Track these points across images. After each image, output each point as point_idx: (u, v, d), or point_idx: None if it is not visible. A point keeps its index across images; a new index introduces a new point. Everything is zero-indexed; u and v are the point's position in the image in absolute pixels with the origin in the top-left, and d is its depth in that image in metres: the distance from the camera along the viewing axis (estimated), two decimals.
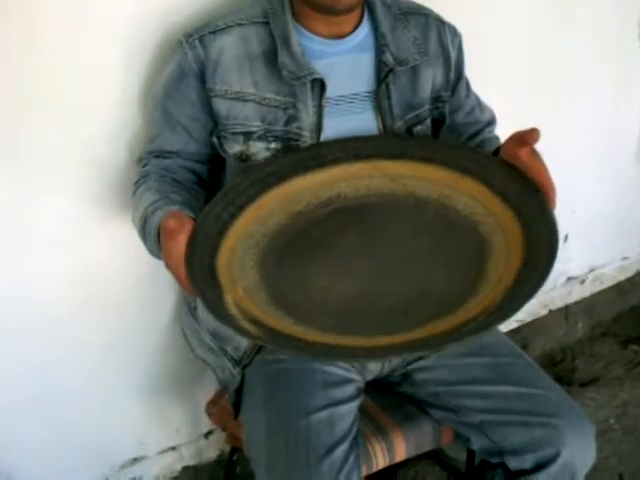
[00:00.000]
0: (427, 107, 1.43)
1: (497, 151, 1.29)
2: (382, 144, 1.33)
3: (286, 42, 1.31)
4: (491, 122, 1.59)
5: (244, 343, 1.39)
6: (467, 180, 1.22)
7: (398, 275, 1.16)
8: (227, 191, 1.23)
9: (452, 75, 1.48)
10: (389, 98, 1.37)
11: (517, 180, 1.18)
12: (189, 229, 1.11)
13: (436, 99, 1.46)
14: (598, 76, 2.26)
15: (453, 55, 1.47)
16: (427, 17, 1.45)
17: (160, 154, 1.38)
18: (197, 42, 1.33)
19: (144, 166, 1.38)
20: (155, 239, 1.19)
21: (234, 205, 1.22)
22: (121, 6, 1.41)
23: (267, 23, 1.34)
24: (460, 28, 1.49)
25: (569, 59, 2.13)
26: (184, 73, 1.34)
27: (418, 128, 1.41)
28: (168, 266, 1.14)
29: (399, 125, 1.39)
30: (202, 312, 1.48)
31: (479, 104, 1.58)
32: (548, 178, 1.15)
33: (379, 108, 1.37)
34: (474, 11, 1.80)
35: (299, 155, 1.31)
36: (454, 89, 1.50)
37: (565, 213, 2.32)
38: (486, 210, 1.19)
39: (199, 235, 1.13)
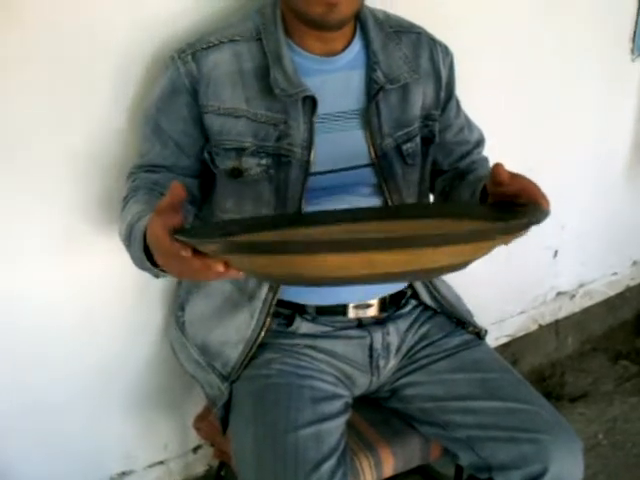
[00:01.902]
0: (417, 125, 1.44)
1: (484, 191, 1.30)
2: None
3: (278, 59, 1.32)
4: (480, 143, 1.61)
5: (232, 358, 1.40)
6: None
7: None
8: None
9: (442, 94, 1.48)
10: (379, 116, 1.38)
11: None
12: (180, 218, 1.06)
13: (426, 117, 1.46)
14: (589, 92, 2.28)
15: (444, 74, 1.48)
16: (419, 35, 1.46)
17: (150, 169, 1.38)
18: (189, 58, 1.34)
19: (133, 181, 1.38)
20: (141, 243, 1.16)
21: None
22: (112, 22, 1.42)
23: (259, 39, 1.35)
24: (451, 46, 1.51)
25: (560, 75, 2.15)
26: (176, 89, 1.35)
27: (407, 146, 1.42)
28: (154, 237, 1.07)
29: (388, 142, 1.39)
30: (190, 327, 1.49)
31: (468, 124, 1.60)
32: (537, 189, 1.14)
33: (369, 125, 1.38)
34: (465, 29, 1.82)
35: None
36: (444, 108, 1.51)
37: (555, 228, 2.34)
38: None
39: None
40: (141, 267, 1.22)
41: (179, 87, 1.35)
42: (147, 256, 1.15)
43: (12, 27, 1.32)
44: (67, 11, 1.36)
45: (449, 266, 0.95)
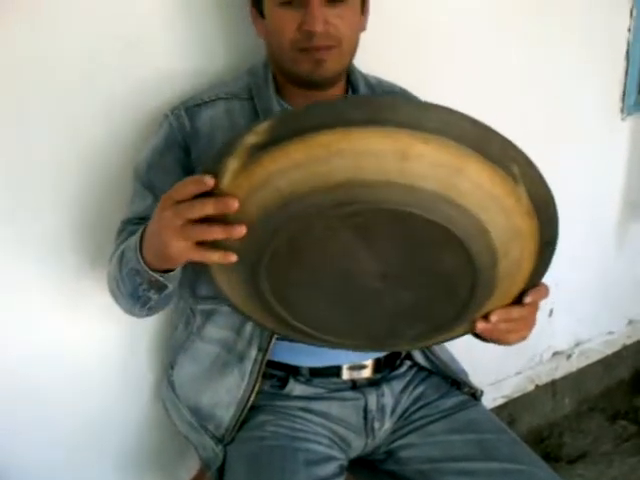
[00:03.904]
0: None
1: None
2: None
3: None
4: None
5: (225, 420, 1.39)
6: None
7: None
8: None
9: None
10: None
11: None
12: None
13: None
14: (579, 151, 2.30)
15: None
16: None
17: (140, 221, 1.36)
18: (183, 113, 1.37)
19: (121, 236, 1.37)
20: (137, 247, 1.15)
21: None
22: (109, 79, 1.44)
23: (251, 98, 1.38)
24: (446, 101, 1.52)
25: (549, 134, 2.17)
26: (169, 144, 1.37)
27: None
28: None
29: None
30: (180, 388, 1.48)
31: None
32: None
33: None
34: (462, 85, 1.86)
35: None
36: None
37: (549, 287, 2.33)
38: None
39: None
40: (132, 289, 1.22)
41: (172, 142, 1.36)
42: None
43: (5, 89, 1.34)
44: (65, 65, 1.39)
45: None
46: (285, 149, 0.88)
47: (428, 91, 1.50)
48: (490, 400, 2.37)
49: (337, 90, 1.40)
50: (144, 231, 1.13)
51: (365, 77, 1.48)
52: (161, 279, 1.17)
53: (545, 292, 1.09)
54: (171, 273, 1.18)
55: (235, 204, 0.92)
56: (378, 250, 0.97)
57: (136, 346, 1.66)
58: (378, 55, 1.55)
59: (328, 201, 0.89)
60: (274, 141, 0.88)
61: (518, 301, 1.08)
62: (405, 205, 0.88)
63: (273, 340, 1.37)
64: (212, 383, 1.42)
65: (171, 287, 1.22)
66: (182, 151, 1.36)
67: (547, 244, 1.00)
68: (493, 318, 1.07)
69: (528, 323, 1.14)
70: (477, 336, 1.19)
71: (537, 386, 2.56)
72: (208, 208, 0.93)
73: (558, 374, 2.61)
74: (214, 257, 0.98)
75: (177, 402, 1.49)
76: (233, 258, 0.97)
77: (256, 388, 1.39)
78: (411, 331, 1.12)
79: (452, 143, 0.86)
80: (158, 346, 1.68)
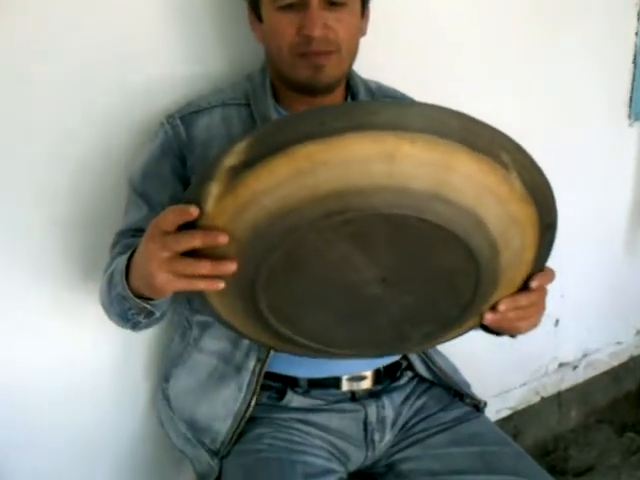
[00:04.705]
0: None
1: None
2: None
3: None
4: None
5: (222, 433, 1.38)
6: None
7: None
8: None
9: None
10: None
11: None
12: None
13: None
14: (586, 159, 2.29)
15: None
16: None
17: (136, 233, 1.36)
18: (178, 121, 1.36)
19: (116, 248, 1.36)
20: (123, 273, 1.15)
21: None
22: (101, 87, 1.43)
23: (248, 105, 1.38)
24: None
25: (556, 142, 2.15)
26: (164, 152, 1.36)
27: None
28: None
29: None
30: (176, 400, 1.47)
31: None
32: None
33: None
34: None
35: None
36: None
37: (554, 297, 2.30)
38: None
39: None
40: (120, 312, 1.22)
41: (167, 151, 1.36)
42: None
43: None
44: (60, 71, 1.39)
45: None
46: (267, 166, 0.87)
47: (430, 96, 1.48)
48: (494, 412, 2.35)
49: (336, 96, 1.39)
50: (132, 255, 1.12)
51: (365, 82, 1.47)
52: (148, 307, 1.17)
53: (551, 275, 1.08)
54: (159, 300, 1.18)
55: (224, 239, 0.91)
56: (376, 256, 0.96)
57: (130, 358, 1.65)
58: (378, 60, 1.55)
59: (318, 213, 0.88)
60: (254, 159, 0.87)
61: (525, 288, 1.07)
62: (397, 208, 0.88)
63: (271, 351, 1.36)
64: (209, 395, 1.42)
65: (159, 314, 1.23)
66: (178, 160, 1.36)
67: (547, 228, 1.00)
68: (501, 308, 1.06)
69: (538, 309, 1.12)
70: (487, 329, 1.19)
71: (543, 398, 2.54)
72: (196, 242, 0.92)
73: (564, 385, 2.59)
74: (200, 285, 0.97)
75: (172, 415, 1.48)
76: (220, 285, 0.96)
77: (254, 400, 1.38)
78: (419, 333, 1.11)
79: (438, 139, 0.86)
80: (153, 358, 1.67)
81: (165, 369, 1.54)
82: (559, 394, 2.59)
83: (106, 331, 1.49)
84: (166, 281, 0.99)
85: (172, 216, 0.94)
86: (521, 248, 0.98)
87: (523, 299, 1.07)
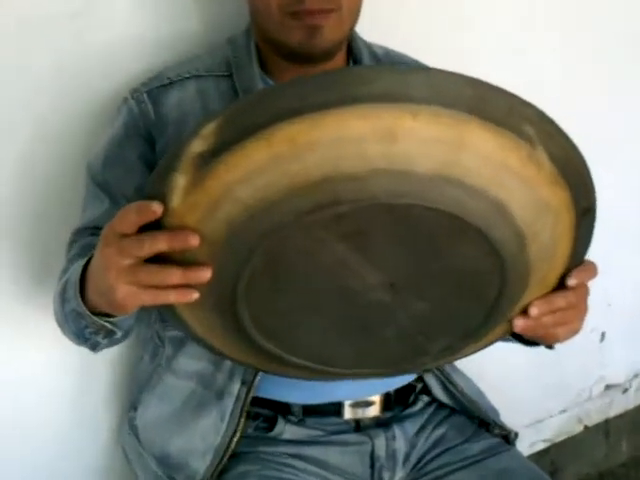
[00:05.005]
0: None
1: None
2: None
3: None
4: None
5: (199, 472, 1.37)
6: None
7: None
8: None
9: None
10: None
11: None
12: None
13: None
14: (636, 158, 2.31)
15: None
16: None
17: (96, 231, 1.32)
18: (145, 96, 1.36)
19: (72, 249, 1.35)
20: (77, 286, 1.13)
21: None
22: (49, 56, 1.42)
23: (230, 75, 1.37)
24: None
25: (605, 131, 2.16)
26: (129, 134, 1.36)
27: None
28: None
29: None
30: (145, 432, 1.47)
31: None
32: None
33: None
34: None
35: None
36: None
37: (600, 306, 2.31)
38: None
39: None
40: (76, 330, 1.21)
41: (132, 133, 1.36)
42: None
43: None
44: None
45: None
46: (241, 151, 0.84)
47: (444, 63, 1.48)
48: (527, 445, 2.35)
49: (335, 63, 1.37)
50: (87, 264, 1.11)
51: (369, 47, 1.46)
52: (108, 325, 1.16)
53: (592, 270, 1.06)
54: (121, 318, 1.16)
55: (195, 240, 0.88)
56: (378, 257, 0.94)
57: (91, 382, 1.65)
58: (384, 21, 1.55)
59: (305, 206, 0.85)
60: (226, 144, 0.85)
61: (562, 286, 1.05)
62: (400, 196, 0.85)
63: (259, 373, 1.35)
64: (185, 426, 1.41)
65: (121, 334, 1.22)
66: (145, 143, 1.36)
67: (585, 213, 0.98)
68: (533, 312, 1.04)
69: (578, 311, 1.10)
70: (519, 338, 1.19)
71: (586, 427, 2.55)
72: (161, 244, 0.90)
73: (612, 412, 2.60)
74: (170, 298, 0.95)
75: (140, 449, 1.47)
76: (194, 295, 0.94)
77: (238, 431, 1.37)
78: (435, 346, 1.10)
79: (446, 111, 0.83)
80: (117, 381, 1.67)
81: (132, 395, 1.54)
82: (606, 422, 2.60)
83: (61, 348, 1.48)
84: (128, 294, 0.96)
85: (131, 215, 0.91)
86: (554, 239, 0.96)
87: (559, 300, 1.05)
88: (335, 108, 0.82)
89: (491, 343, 1.15)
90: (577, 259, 1.04)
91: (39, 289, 1.50)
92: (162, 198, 0.89)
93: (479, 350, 1.16)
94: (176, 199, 0.89)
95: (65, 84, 1.44)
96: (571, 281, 1.04)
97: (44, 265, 1.49)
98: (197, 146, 0.85)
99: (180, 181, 0.87)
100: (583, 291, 1.08)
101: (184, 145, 0.86)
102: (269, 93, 0.85)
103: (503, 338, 1.15)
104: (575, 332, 1.13)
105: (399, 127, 0.82)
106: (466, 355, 1.17)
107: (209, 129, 0.85)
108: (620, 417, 2.61)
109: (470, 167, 0.86)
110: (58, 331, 1.30)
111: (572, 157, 0.92)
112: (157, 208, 0.88)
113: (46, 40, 1.41)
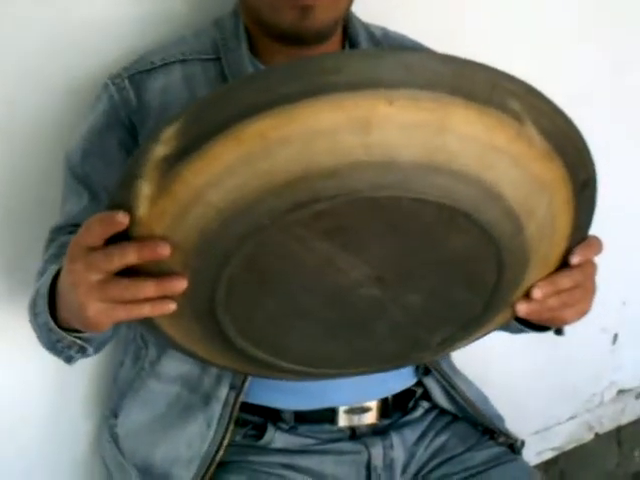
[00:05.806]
0: None
1: None
2: None
3: None
4: None
5: None
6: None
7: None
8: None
9: None
10: None
11: None
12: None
13: None
14: None
15: None
16: None
17: (74, 229, 1.30)
18: (127, 82, 1.34)
19: (50, 250, 1.33)
20: (46, 301, 1.13)
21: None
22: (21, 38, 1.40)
23: (218, 59, 1.35)
24: None
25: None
26: (109, 123, 1.34)
27: None
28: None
29: None
30: (126, 440, 1.44)
31: None
32: None
33: None
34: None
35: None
36: None
37: (613, 305, 2.31)
38: None
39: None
40: (48, 343, 1.20)
41: (113, 121, 1.34)
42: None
43: None
44: None
45: None
46: (208, 152, 0.83)
47: (448, 45, 1.46)
48: (534, 454, 2.37)
49: (331, 46, 1.36)
50: (57, 277, 1.09)
51: (367, 28, 1.44)
52: (79, 342, 1.16)
53: (597, 245, 1.05)
54: (94, 334, 1.16)
55: (165, 250, 0.87)
56: (364, 252, 0.94)
57: (68, 389, 1.64)
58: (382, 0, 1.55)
59: (282, 205, 0.84)
60: (191, 146, 0.83)
61: (565, 265, 1.04)
62: (382, 188, 0.84)
63: (249, 376, 1.34)
64: (169, 433, 1.39)
65: (92, 349, 1.21)
66: (126, 132, 1.34)
67: (584, 185, 0.97)
68: (537, 294, 1.03)
69: (585, 290, 1.08)
70: (524, 323, 1.18)
71: (597, 435, 2.56)
72: (130, 256, 0.88)
73: (625, 419, 2.62)
74: (145, 311, 0.94)
75: (121, 459, 1.45)
76: (171, 306, 0.93)
77: (226, 439, 1.35)
78: (434, 338, 1.10)
79: (425, 93, 0.81)
80: (97, 387, 1.67)
81: (113, 401, 1.52)
82: (619, 429, 2.61)
83: (37, 351, 1.43)
84: (100, 311, 0.95)
85: (95, 227, 0.90)
86: (552, 216, 0.95)
87: (564, 280, 1.04)
88: (306, 99, 0.80)
89: (494, 329, 1.15)
90: (580, 235, 1.03)
91: (15, 289, 1.49)
92: (128, 207, 0.88)
93: (481, 337, 1.16)
94: (142, 207, 0.88)
95: (39, 69, 1.43)
96: (575, 258, 1.02)
97: (21, 264, 1.48)
98: (160, 150, 0.84)
99: (145, 188, 0.86)
100: (589, 269, 1.07)
101: (146, 149, 0.85)
102: (233, 87, 0.83)
103: (510, 327, 1.16)
104: (583, 313, 1.11)
105: (375, 115, 0.81)
106: (469, 344, 1.17)
107: (169, 133, 0.83)
108: (633, 424, 2.64)
109: (455, 151, 0.84)
110: (34, 337, 1.28)
111: (565, 129, 0.90)
112: (122, 218, 0.87)
113: (16, 21, 1.39)
